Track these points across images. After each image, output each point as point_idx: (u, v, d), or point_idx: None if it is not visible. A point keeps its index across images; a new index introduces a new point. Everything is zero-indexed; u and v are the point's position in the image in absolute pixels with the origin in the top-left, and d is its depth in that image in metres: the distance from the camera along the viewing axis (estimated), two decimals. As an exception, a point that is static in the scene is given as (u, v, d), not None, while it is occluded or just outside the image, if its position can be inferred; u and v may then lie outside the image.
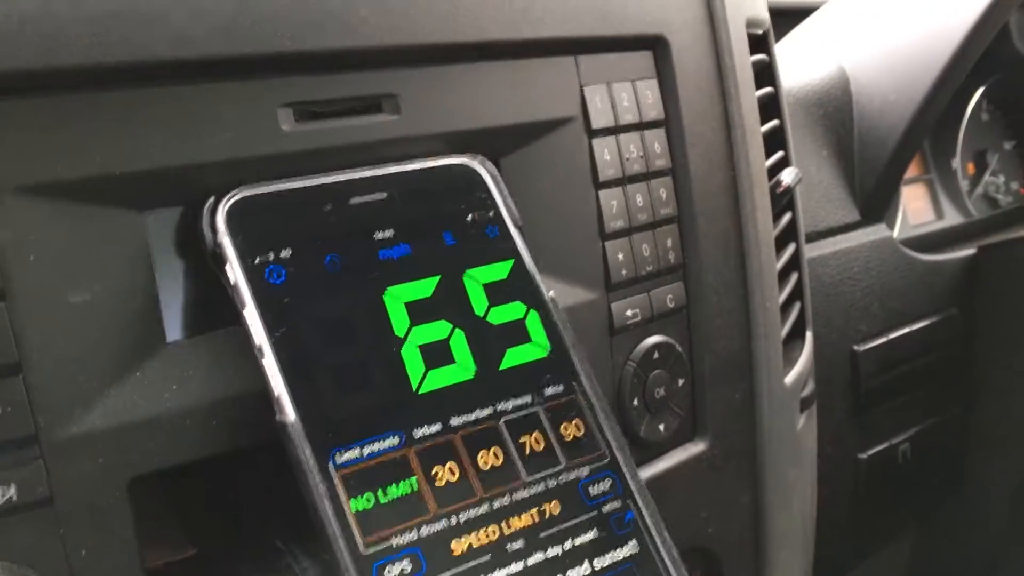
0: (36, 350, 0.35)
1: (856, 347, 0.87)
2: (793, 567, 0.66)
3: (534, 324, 0.42)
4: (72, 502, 0.36)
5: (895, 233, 0.96)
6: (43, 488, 0.35)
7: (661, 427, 0.55)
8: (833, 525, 0.78)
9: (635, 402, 0.53)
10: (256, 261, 0.38)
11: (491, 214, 0.44)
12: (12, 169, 0.35)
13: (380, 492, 0.35)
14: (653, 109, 0.55)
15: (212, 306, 0.41)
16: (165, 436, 0.38)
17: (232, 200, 0.39)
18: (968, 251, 0.99)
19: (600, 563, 0.38)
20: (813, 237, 0.84)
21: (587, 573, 0.38)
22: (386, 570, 0.34)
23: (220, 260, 0.38)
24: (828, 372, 0.84)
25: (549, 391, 0.41)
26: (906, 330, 0.90)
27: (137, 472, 0.37)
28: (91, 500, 0.36)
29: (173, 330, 0.40)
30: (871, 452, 0.91)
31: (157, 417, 0.38)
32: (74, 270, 0.36)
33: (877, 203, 0.89)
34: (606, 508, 0.39)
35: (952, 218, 1.13)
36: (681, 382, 0.56)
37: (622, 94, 0.53)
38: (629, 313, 0.53)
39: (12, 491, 0.35)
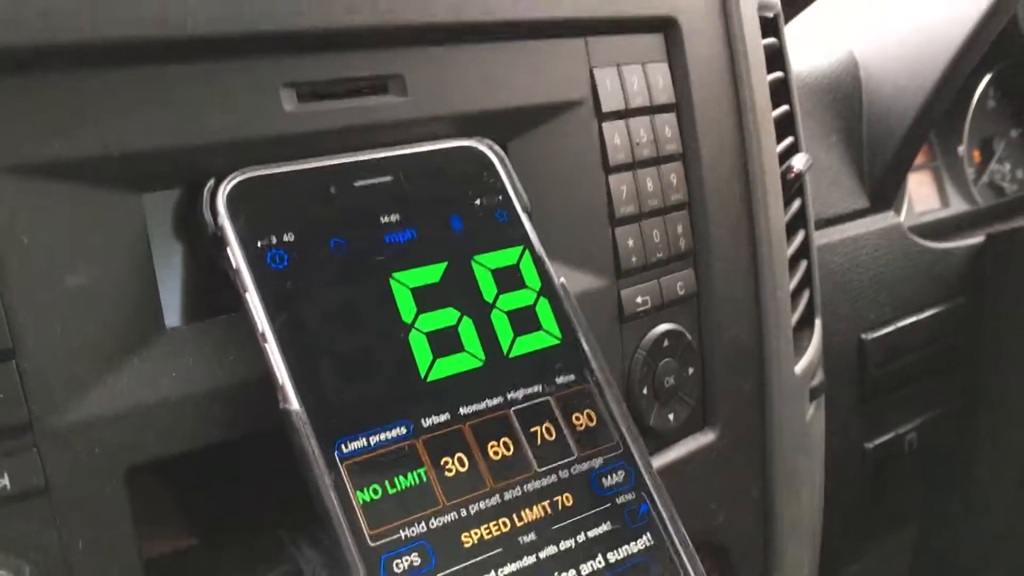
0: (30, 335, 0.34)
1: (863, 336, 0.85)
2: (801, 559, 0.65)
3: (544, 311, 0.41)
4: (68, 492, 0.35)
5: (897, 220, 0.95)
6: (38, 478, 0.34)
7: (671, 416, 0.53)
8: (838, 516, 0.77)
9: (644, 391, 0.52)
10: (258, 245, 0.36)
11: (500, 198, 0.43)
12: (4, 148, 0.34)
13: (387, 483, 0.34)
14: (664, 93, 0.53)
15: (212, 292, 0.40)
16: (164, 424, 0.37)
17: (233, 182, 0.37)
18: (976, 239, 0.98)
19: (614, 556, 0.37)
20: (821, 224, 0.83)
21: (600, 567, 0.36)
22: (394, 563, 0.33)
23: (221, 244, 0.37)
24: (835, 361, 0.83)
25: (560, 380, 0.40)
26: (914, 319, 0.89)
27: (135, 461, 0.36)
28: (88, 490, 0.35)
29: (172, 316, 0.39)
30: (877, 442, 0.90)
31: (156, 405, 0.36)
32: (70, 253, 0.35)
33: (886, 190, 0.87)
34: (620, 500, 0.38)
35: (957, 206, 1.12)
36: (691, 371, 0.54)
37: (632, 77, 0.52)
38: (639, 300, 0.52)
39: (5, 480, 0.33)
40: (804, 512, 0.65)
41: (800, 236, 0.69)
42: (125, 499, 0.36)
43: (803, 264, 0.70)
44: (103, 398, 0.36)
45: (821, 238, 0.82)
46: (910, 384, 0.92)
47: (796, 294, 0.67)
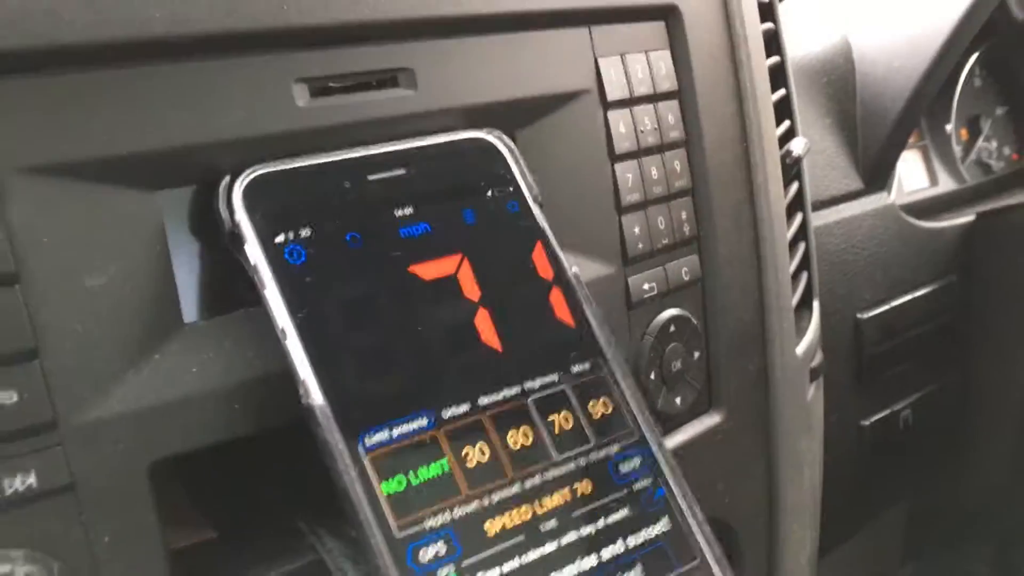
0: (52, 334, 0.34)
1: (859, 315, 0.87)
2: (804, 537, 0.66)
3: (558, 300, 0.42)
4: (93, 488, 0.35)
5: (891, 200, 0.96)
6: (64, 474, 0.34)
7: (678, 400, 0.54)
8: (835, 492, 0.78)
9: (652, 376, 0.53)
10: (275, 241, 0.37)
11: (511, 189, 0.43)
12: (21, 150, 0.34)
13: (411, 474, 0.35)
14: (667, 80, 0.54)
15: (230, 287, 0.40)
16: (185, 419, 0.37)
17: (248, 178, 0.37)
18: (966, 218, 0.99)
19: (633, 541, 0.38)
20: (817, 206, 0.84)
21: (620, 551, 0.37)
22: (420, 553, 0.33)
23: (238, 240, 0.37)
24: (831, 340, 0.84)
25: (576, 368, 0.40)
26: (908, 297, 0.90)
27: (158, 456, 0.36)
28: (112, 485, 0.35)
29: (190, 312, 0.39)
30: (873, 419, 0.91)
31: (177, 400, 0.37)
32: (88, 252, 0.35)
33: (880, 170, 0.88)
34: (637, 486, 0.39)
35: (946, 184, 1.13)
36: (697, 355, 0.55)
37: (636, 65, 0.52)
38: (646, 287, 0.52)
39: (32, 478, 0.34)
40: (806, 491, 0.66)
41: (798, 219, 0.70)
42: (149, 493, 0.36)
43: (801, 246, 0.70)
44: (125, 395, 0.36)
45: (817, 220, 0.83)
46: (905, 362, 0.94)
47: (795, 276, 0.68)
